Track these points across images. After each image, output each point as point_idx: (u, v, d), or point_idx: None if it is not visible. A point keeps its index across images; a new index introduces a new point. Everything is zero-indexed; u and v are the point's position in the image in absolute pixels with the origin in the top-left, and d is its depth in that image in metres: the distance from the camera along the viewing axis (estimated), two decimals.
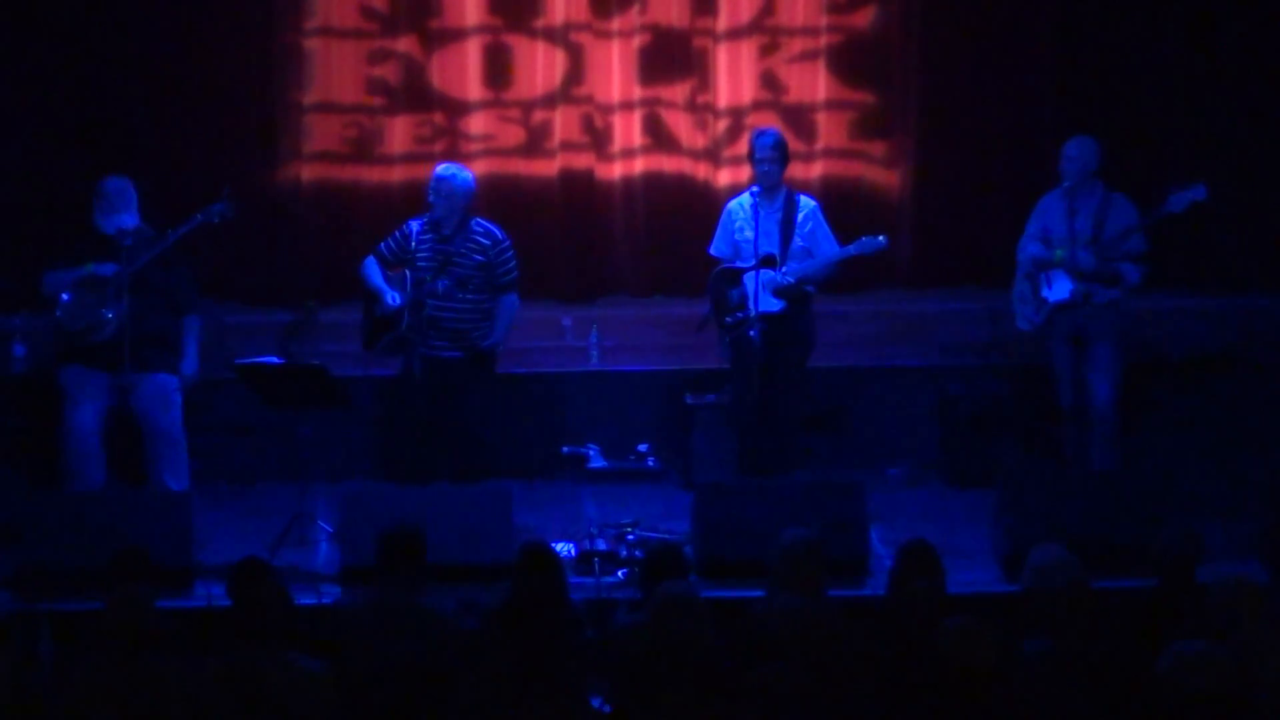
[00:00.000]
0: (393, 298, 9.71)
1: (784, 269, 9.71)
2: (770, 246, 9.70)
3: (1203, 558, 7.22)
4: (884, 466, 10.84)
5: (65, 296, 9.46)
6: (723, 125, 11.94)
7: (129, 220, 9.49)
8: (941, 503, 10.24)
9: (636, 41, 11.89)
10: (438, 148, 11.77)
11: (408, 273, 9.73)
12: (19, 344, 10.62)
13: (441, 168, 9.93)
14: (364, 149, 11.88)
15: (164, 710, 6.31)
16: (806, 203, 9.93)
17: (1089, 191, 9.84)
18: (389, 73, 11.86)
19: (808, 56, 11.95)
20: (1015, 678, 6.40)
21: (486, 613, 7.16)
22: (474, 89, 11.89)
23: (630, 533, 9.17)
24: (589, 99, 11.92)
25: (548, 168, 11.94)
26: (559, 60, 11.88)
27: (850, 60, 11.94)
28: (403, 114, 11.88)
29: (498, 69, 11.89)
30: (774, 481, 9.49)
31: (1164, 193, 9.69)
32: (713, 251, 10.00)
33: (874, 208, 11.85)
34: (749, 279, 9.68)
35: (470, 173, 9.97)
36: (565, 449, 10.93)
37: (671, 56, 11.91)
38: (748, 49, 11.96)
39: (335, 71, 11.84)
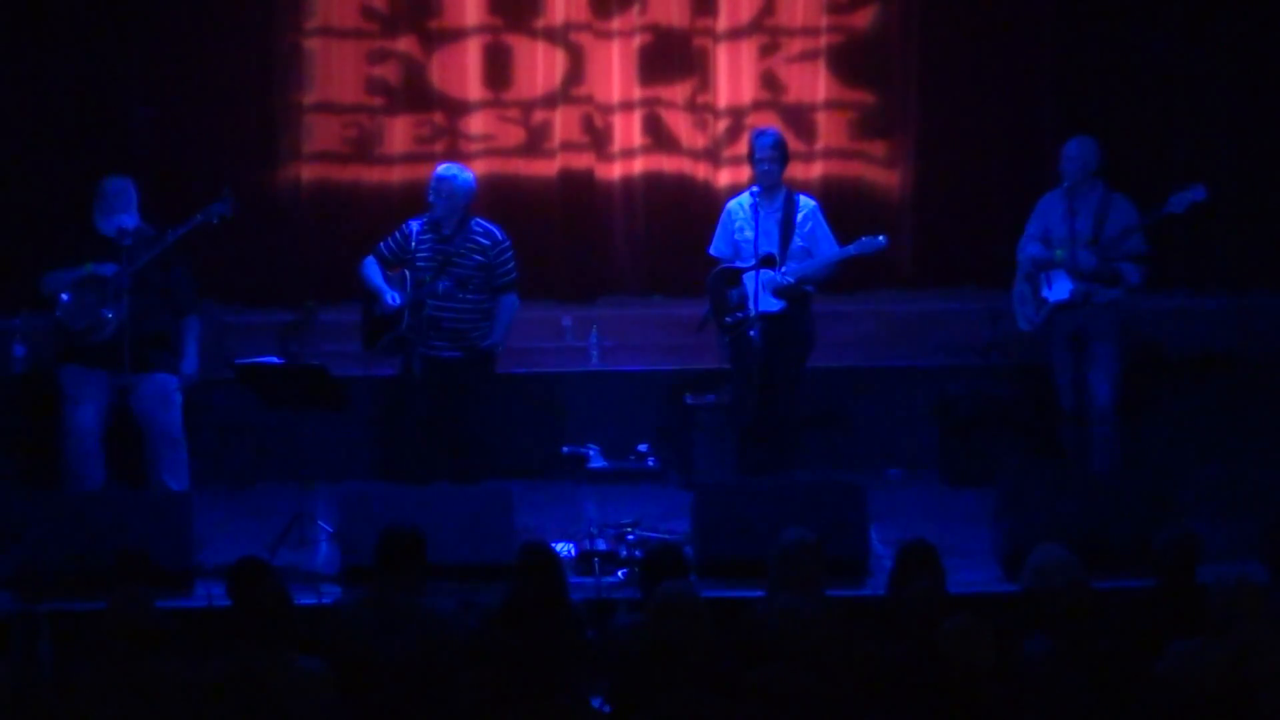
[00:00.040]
0: (392, 298, 9.71)
1: (784, 269, 9.71)
2: (770, 246, 9.70)
3: (1202, 558, 7.22)
4: (884, 466, 10.85)
5: (65, 297, 9.46)
6: (723, 125, 11.94)
7: (129, 220, 9.48)
8: (941, 503, 10.24)
9: (636, 41, 11.89)
10: (438, 148, 11.77)
11: (407, 273, 9.73)
12: (19, 344, 10.62)
13: (442, 168, 9.93)
14: (364, 149, 11.88)
15: (164, 710, 6.31)
16: (806, 203, 9.93)
17: (1089, 191, 9.84)
18: (389, 73, 11.86)
19: (808, 56, 11.95)
20: (1015, 678, 6.40)
21: (486, 613, 7.16)
22: (474, 89, 11.89)
23: (630, 533, 9.17)
24: (589, 99, 11.92)
25: (548, 168, 11.94)
26: (559, 60, 11.88)
27: (850, 60, 11.94)
28: (403, 114, 11.87)
29: (498, 69, 11.89)
30: (774, 481, 9.49)
31: (1164, 193, 9.69)
32: (712, 251, 10.00)
33: (874, 208, 11.85)
34: (749, 279, 9.68)
35: (471, 173, 9.97)
36: (565, 449, 10.93)
37: (671, 56, 11.91)
38: (748, 49, 11.96)
39: (335, 71, 11.84)
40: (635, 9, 11.86)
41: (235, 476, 10.59)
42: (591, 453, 10.92)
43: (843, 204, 11.43)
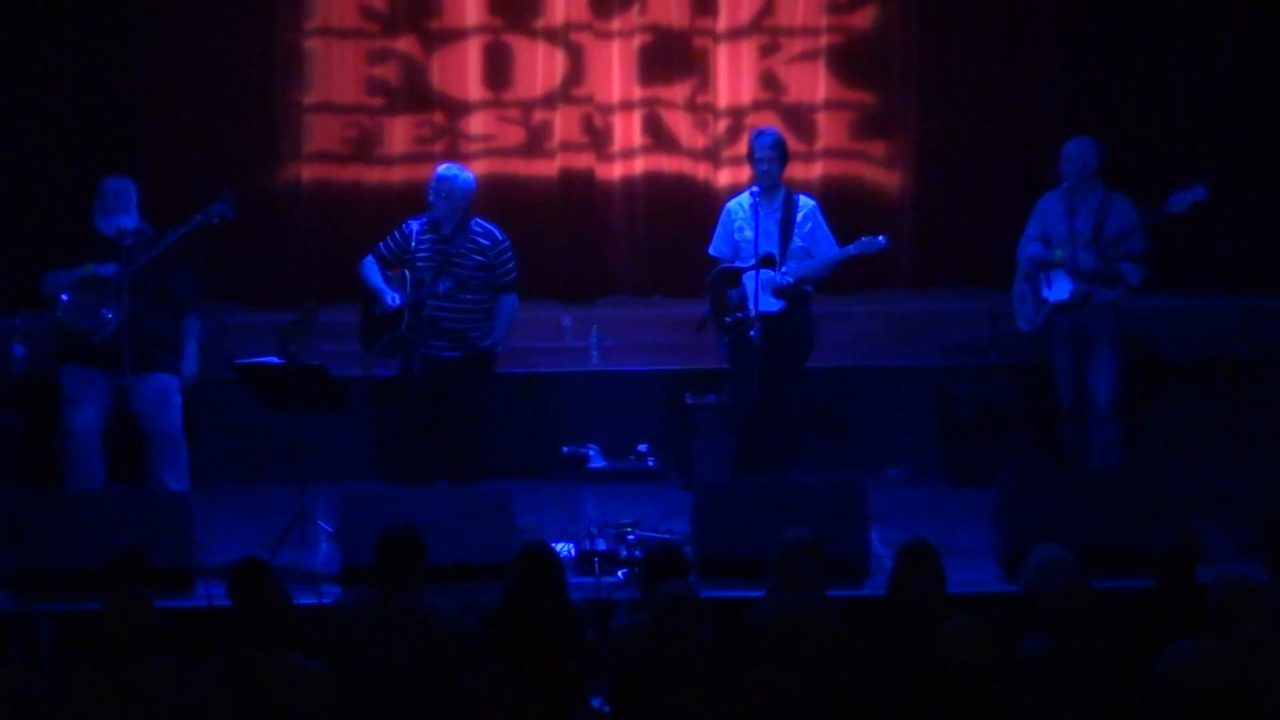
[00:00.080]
0: (392, 298, 9.71)
1: (783, 269, 9.71)
2: (769, 246, 9.70)
3: (1202, 558, 7.22)
4: (884, 466, 10.85)
5: (65, 297, 9.45)
6: (723, 125, 11.94)
7: (129, 221, 9.48)
8: (941, 503, 10.24)
9: (636, 41, 11.89)
10: (438, 148, 11.77)
11: (407, 273, 9.73)
12: (19, 344, 10.62)
13: (443, 168, 9.93)
14: (364, 149, 11.88)
15: (164, 710, 6.31)
16: (805, 202, 9.93)
17: (1089, 191, 9.84)
18: (389, 73, 11.86)
19: (808, 56, 11.96)
20: (1015, 678, 6.40)
21: (486, 613, 7.16)
22: (474, 89, 11.89)
23: (630, 533, 9.17)
24: (589, 99, 11.92)
25: (548, 168, 11.94)
26: (559, 60, 11.88)
27: (850, 60, 11.95)
28: (403, 114, 11.88)
29: (498, 69, 11.89)
30: (774, 481, 9.49)
31: (1164, 193, 9.69)
32: (712, 251, 10.00)
33: (874, 208, 11.85)
34: (748, 279, 9.68)
35: (471, 173, 9.97)
36: (565, 449, 10.93)
37: (671, 56, 11.91)
38: (748, 49, 11.96)
39: (335, 71, 11.84)
40: (635, 9, 11.86)
41: (235, 476, 10.59)
42: (591, 453, 10.92)
43: (843, 204, 11.44)
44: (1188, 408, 10.79)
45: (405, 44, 11.85)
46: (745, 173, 10.35)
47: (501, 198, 11.57)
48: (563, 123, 11.91)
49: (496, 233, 9.79)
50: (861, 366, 11.13)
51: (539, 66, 11.88)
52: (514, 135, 11.94)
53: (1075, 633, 6.60)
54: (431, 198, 9.77)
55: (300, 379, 9.31)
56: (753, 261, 9.65)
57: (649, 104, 11.94)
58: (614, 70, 11.90)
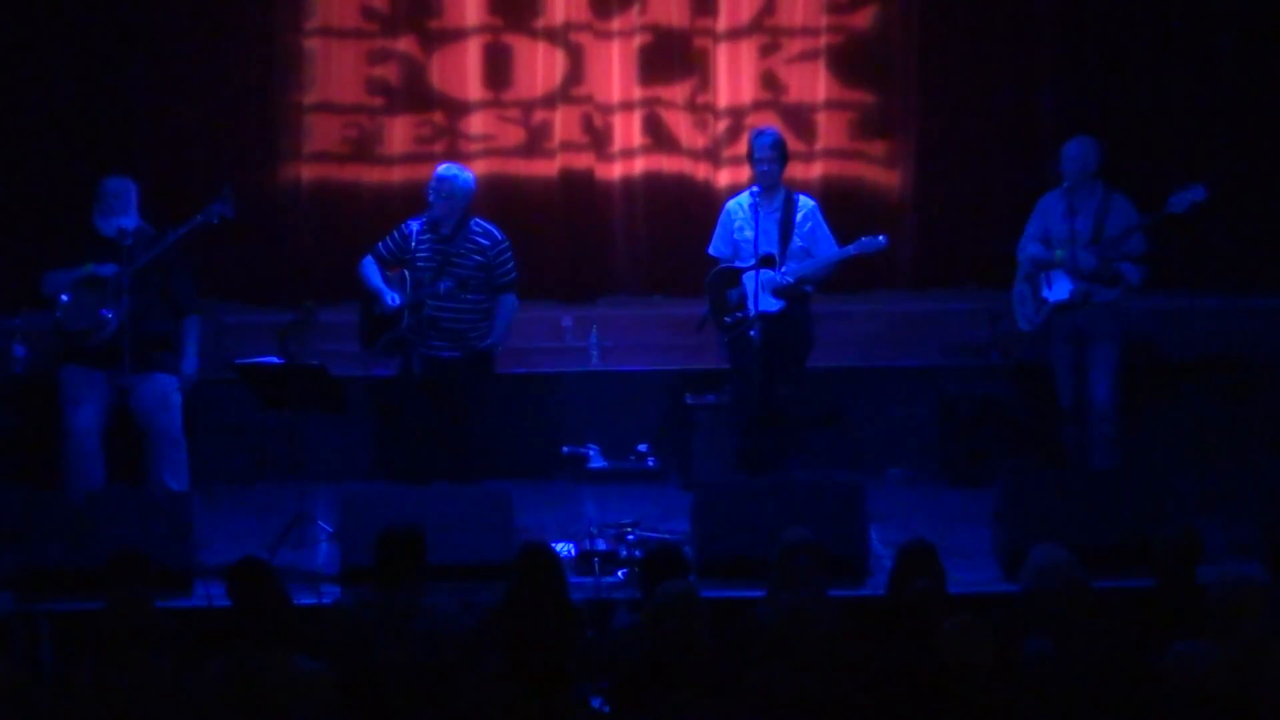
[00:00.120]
0: (392, 298, 9.71)
1: (783, 269, 9.71)
2: (769, 246, 9.70)
3: (1203, 558, 7.22)
4: (884, 466, 10.85)
5: (64, 297, 9.45)
6: (723, 125, 11.94)
7: (129, 221, 9.47)
8: (941, 503, 10.24)
9: (636, 41, 11.89)
10: (438, 148, 11.76)
11: (406, 273, 9.73)
12: (19, 344, 10.62)
13: (443, 168, 9.93)
14: (364, 149, 11.88)
15: (164, 710, 6.31)
16: (805, 202, 9.93)
17: (1089, 191, 9.84)
18: (389, 73, 11.86)
19: (808, 56, 11.95)
20: (1015, 678, 6.40)
21: (486, 613, 7.16)
22: (474, 89, 11.89)
23: (630, 533, 9.17)
24: (589, 99, 11.92)
25: (548, 168, 11.94)
26: (559, 60, 11.88)
27: (850, 60, 11.94)
28: (403, 114, 11.87)
29: (498, 69, 11.89)
30: (774, 481, 9.48)
31: (1164, 193, 9.69)
32: (712, 251, 10.00)
33: (874, 208, 11.85)
34: (748, 279, 9.68)
35: (471, 173, 9.98)
36: (565, 449, 10.93)
37: (671, 56, 11.91)
38: (748, 49, 11.96)
39: (335, 71, 11.84)
40: (635, 9, 11.86)
41: (235, 476, 10.59)
42: (591, 453, 10.92)
43: (843, 204, 11.44)
44: (1188, 408, 10.79)
45: (405, 44, 11.85)
46: (745, 173, 10.35)
47: (501, 198, 11.57)
48: (563, 123, 11.91)
49: (496, 232, 9.80)
50: (861, 366, 11.13)
51: (539, 66, 11.88)
52: (514, 135, 11.94)
53: (1075, 633, 6.60)
54: (431, 198, 9.77)
55: (300, 379, 9.31)
56: (753, 261, 9.65)
57: (649, 104, 11.94)
58: (614, 70, 11.90)
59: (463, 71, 11.88)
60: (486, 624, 7.01)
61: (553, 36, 11.86)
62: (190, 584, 8.49)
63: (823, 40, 11.93)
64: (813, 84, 11.95)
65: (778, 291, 9.67)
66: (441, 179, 9.79)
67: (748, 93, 11.94)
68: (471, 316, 9.72)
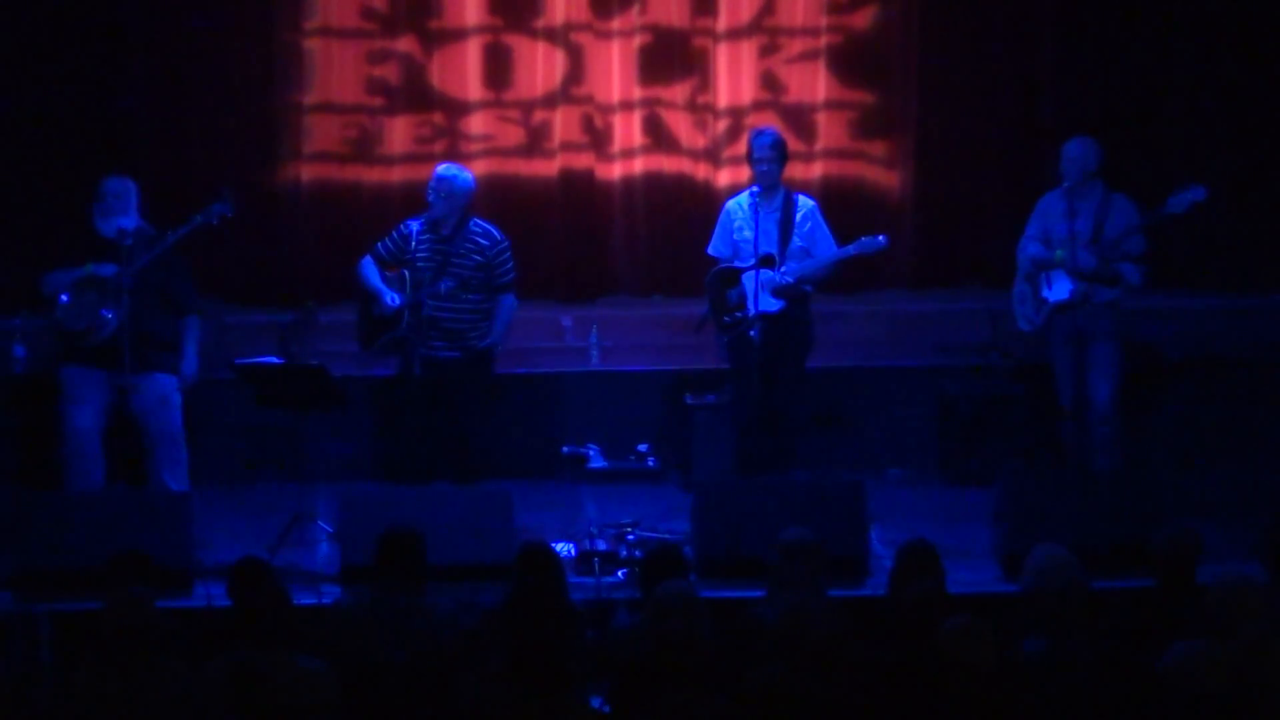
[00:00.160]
0: (392, 298, 9.70)
1: (783, 269, 9.71)
2: (769, 246, 9.70)
3: (1202, 558, 7.22)
4: (884, 466, 10.85)
5: (64, 297, 9.45)
6: (723, 125, 11.94)
7: (129, 221, 9.47)
8: (941, 503, 10.24)
9: (636, 41, 11.89)
10: (438, 148, 11.76)
11: (406, 273, 9.73)
12: (19, 344, 10.61)
13: (443, 168, 9.93)
14: (364, 149, 11.88)
15: (164, 710, 6.31)
16: (805, 202, 9.93)
17: (1089, 192, 9.84)
18: (389, 73, 11.86)
19: (808, 56, 11.95)
20: (1015, 678, 6.40)
21: (486, 612, 7.16)
22: (474, 89, 11.89)
23: (630, 533, 9.17)
24: (589, 99, 11.92)
25: (548, 168, 11.94)
26: (559, 60, 11.88)
27: (850, 60, 11.95)
28: (403, 114, 11.88)
29: (498, 69, 11.89)
30: (774, 481, 9.49)
31: (1164, 193, 9.69)
32: (711, 251, 10.00)
33: (874, 208, 11.85)
34: (748, 279, 9.68)
35: (470, 173, 9.97)
36: (565, 449, 10.93)
37: (671, 56, 11.91)
38: (748, 49, 11.96)
39: (335, 71, 11.84)
40: (635, 9, 11.86)
41: (235, 476, 10.59)
42: (591, 453, 10.92)
43: (843, 204, 11.44)
44: (1188, 408, 10.79)
45: (405, 44, 11.85)
46: (745, 173, 10.34)
47: (501, 198, 11.57)
48: (563, 123, 11.91)
49: (495, 232, 9.80)
50: (861, 367, 11.13)
51: (539, 66, 11.88)
52: (514, 135, 11.94)
53: (1075, 633, 6.59)
54: (431, 198, 9.77)
55: (300, 379, 9.31)
56: (752, 261, 9.65)
57: (649, 104, 11.94)
58: (614, 70, 11.90)
59: (463, 71, 11.88)
60: (486, 624, 7.01)
61: (553, 36, 11.86)
62: (190, 584, 8.48)
63: (823, 40, 11.93)
64: (813, 84, 11.95)
65: (777, 291, 9.67)
66: (441, 179, 9.79)
67: (748, 93, 11.95)
68: (471, 316, 9.72)
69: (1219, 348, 11.10)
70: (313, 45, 11.78)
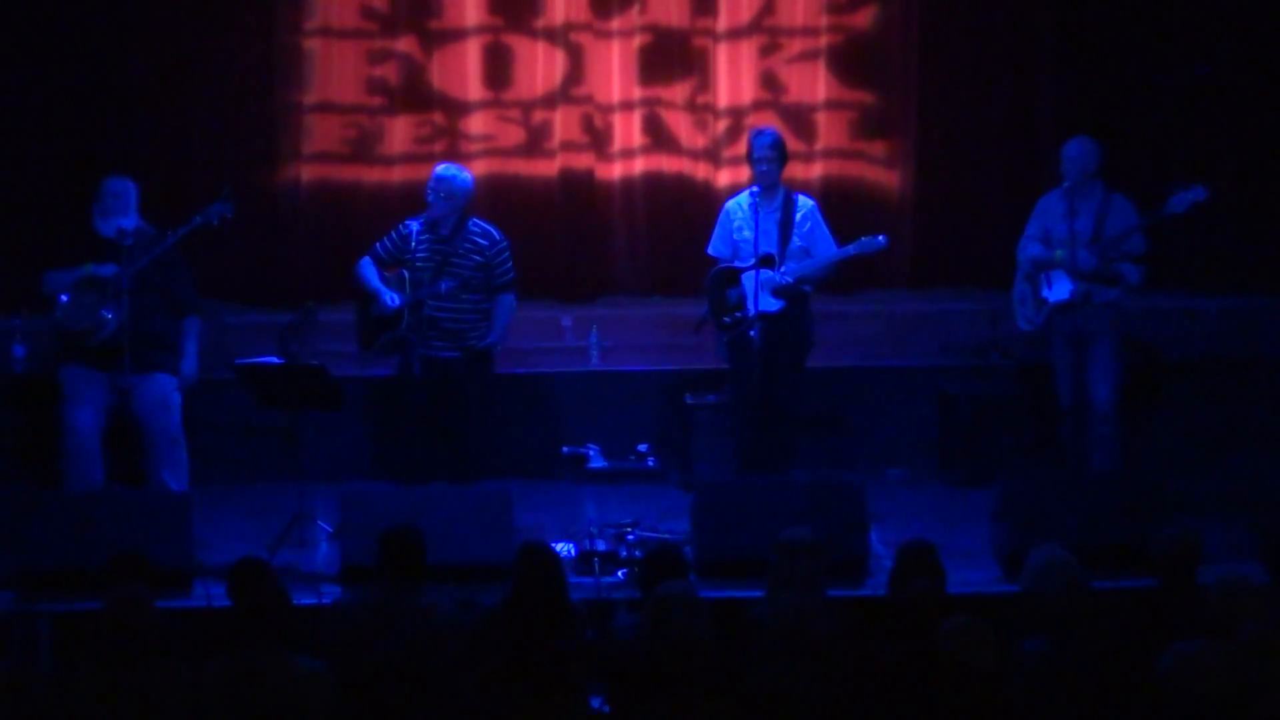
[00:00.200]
0: (391, 298, 9.70)
1: (782, 269, 9.71)
2: (769, 246, 9.69)
3: (1202, 558, 7.22)
4: (884, 466, 10.85)
5: (64, 297, 9.45)
6: (723, 125, 11.94)
7: (128, 221, 9.47)
8: (941, 503, 10.24)
9: (636, 41, 11.89)
10: (438, 148, 11.77)
11: (405, 273, 9.73)
12: (19, 344, 10.61)
13: (441, 168, 9.94)
14: (364, 149, 11.88)
15: (164, 710, 6.31)
16: (805, 202, 9.93)
17: (1089, 192, 9.84)
18: (389, 73, 11.86)
19: (808, 56, 11.96)
20: (1015, 678, 6.40)
21: (486, 612, 7.16)
22: (474, 89, 11.89)
23: (630, 533, 9.17)
24: (589, 99, 11.92)
25: (548, 168, 11.94)
26: (559, 60, 11.88)
27: (850, 60, 11.95)
28: (403, 114, 11.88)
29: (498, 69, 11.89)
30: (774, 481, 9.49)
31: (1164, 193, 9.69)
32: (711, 251, 10.00)
33: (874, 208, 11.86)
34: (747, 279, 9.68)
35: (469, 173, 9.98)
36: (565, 449, 10.93)
37: (671, 56, 11.92)
38: (748, 49, 11.96)
39: (335, 71, 11.84)
40: (635, 9, 11.86)
41: (235, 476, 10.59)
42: (591, 453, 10.92)
43: (843, 204, 11.45)
44: (1188, 408, 10.79)
45: (405, 44, 11.85)
46: (745, 173, 10.34)
47: (501, 198, 11.58)
48: (563, 123, 11.91)
49: (495, 232, 9.80)
50: (861, 366, 11.13)
51: (539, 66, 11.88)
52: (514, 135, 11.94)
53: (1075, 633, 6.59)
54: (430, 198, 9.77)
55: (300, 379, 9.31)
56: (752, 261, 9.65)
57: (649, 104, 11.94)
58: (614, 70, 11.91)
59: (463, 71, 11.88)
60: (486, 624, 7.01)
61: (553, 36, 11.87)
62: (190, 584, 8.48)
63: (823, 40, 11.94)
64: (813, 84, 11.96)
65: (777, 291, 9.67)
66: (440, 179, 9.79)
67: (748, 93, 11.95)
68: (471, 316, 9.72)
69: (1219, 348, 11.10)
70: (313, 45, 11.79)
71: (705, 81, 11.93)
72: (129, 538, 8.21)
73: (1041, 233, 9.98)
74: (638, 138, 11.96)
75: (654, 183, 11.99)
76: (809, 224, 9.82)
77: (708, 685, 6.28)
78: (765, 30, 11.96)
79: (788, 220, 9.78)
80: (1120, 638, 6.70)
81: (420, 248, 9.72)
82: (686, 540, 8.86)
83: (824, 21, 11.93)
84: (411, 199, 10.70)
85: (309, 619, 7.20)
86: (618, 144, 11.95)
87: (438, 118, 11.88)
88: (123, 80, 11.56)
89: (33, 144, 11.47)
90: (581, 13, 11.85)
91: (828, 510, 8.65)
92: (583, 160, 11.94)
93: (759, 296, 9.61)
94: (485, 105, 11.90)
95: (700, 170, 11.99)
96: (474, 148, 11.82)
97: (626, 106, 11.93)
